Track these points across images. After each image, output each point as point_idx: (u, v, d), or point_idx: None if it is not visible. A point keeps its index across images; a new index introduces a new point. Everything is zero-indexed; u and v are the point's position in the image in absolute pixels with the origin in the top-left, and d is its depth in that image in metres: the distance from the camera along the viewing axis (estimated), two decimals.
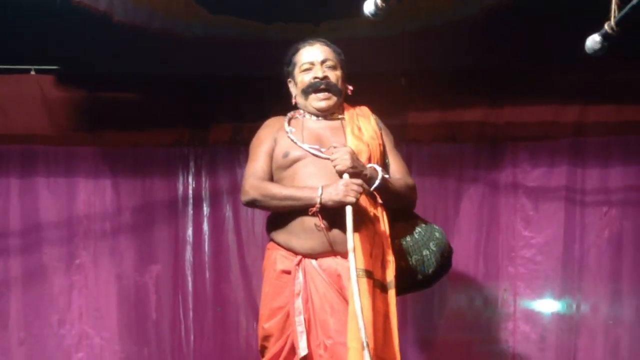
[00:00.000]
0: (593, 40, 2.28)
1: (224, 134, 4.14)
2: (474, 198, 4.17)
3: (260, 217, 4.02)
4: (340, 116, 2.93)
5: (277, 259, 2.79)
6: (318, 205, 2.64)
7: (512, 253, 4.13)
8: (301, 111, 2.95)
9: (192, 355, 4.09)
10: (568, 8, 3.31)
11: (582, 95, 4.05)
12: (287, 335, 2.74)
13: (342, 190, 2.60)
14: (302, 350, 2.68)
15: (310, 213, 2.67)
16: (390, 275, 2.71)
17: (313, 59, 2.89)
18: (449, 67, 3.97)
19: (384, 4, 2.30)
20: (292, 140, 2.82)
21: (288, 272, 2.75)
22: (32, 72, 3.97)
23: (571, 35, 2.54)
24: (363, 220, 2.67)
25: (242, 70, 3.92)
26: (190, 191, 4.16)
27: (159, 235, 4.14)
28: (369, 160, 2.79)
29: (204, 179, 4.18)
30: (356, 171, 2.66)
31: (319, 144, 2.80)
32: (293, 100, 2.98)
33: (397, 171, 2.91)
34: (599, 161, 4.11)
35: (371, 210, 2.74)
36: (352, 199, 2.60)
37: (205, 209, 4.16)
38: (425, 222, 2.98)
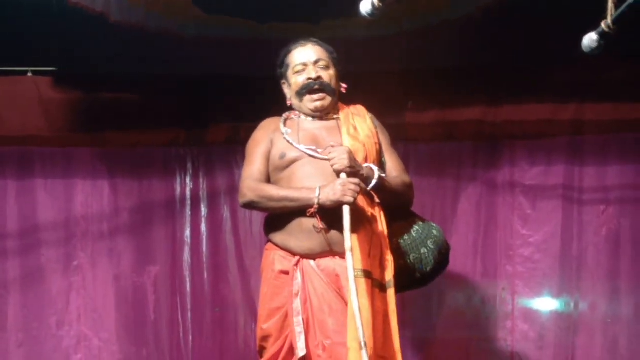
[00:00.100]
0: (590, 39, 2.27)
1: (221, 134, 4.12)
2: (472, 197, 4.16)
3: (258, 218, 4.00)
4: (335, 116, 2.92)
5: (275, 260, 2.79)
6: (316, 206, 2.64)
7: (510, 252, 4.13)
8: (296, 112, 2.95)
9: (190, 356, 4.08)
10: (565, 7, 3.31)
11: (579, 94, 4.04)
12: (286, 336, 2.74)
13: (340, 190, 2.60)
14: (301, 351, 2.68)
15: (308, 214, 2.67)
16: (389, 274, 2.71)
17: (306, 59, 2.89)
18: (446, 66, 3.96)
19: (381, 4, 2.30)
20: (289, 142, 2.81)
21: (286, 273, 2.75)
22: (29, 74, 3.96)
23: (568, 33, 2.54)
24: (361, 220, 2.67)
25: (239, 70, 3.90)
26: (188, 192, 4.15)
27: (157, 236, 4.13)
28: (366, 160, 2.78)
29: (201, 179, 4.17)
30: (354, 171, 2.66)
31: (315, 144, 2.80)
32: (288, 102, 2.97)
33: (393, 169, 2.91)
34: (596, 159, 4.11)
35: (369, 210, 2.73)
36: (349, 199, 2.59)
37: (203, 210, 4.15)
38: (423, 220, 2.98)
